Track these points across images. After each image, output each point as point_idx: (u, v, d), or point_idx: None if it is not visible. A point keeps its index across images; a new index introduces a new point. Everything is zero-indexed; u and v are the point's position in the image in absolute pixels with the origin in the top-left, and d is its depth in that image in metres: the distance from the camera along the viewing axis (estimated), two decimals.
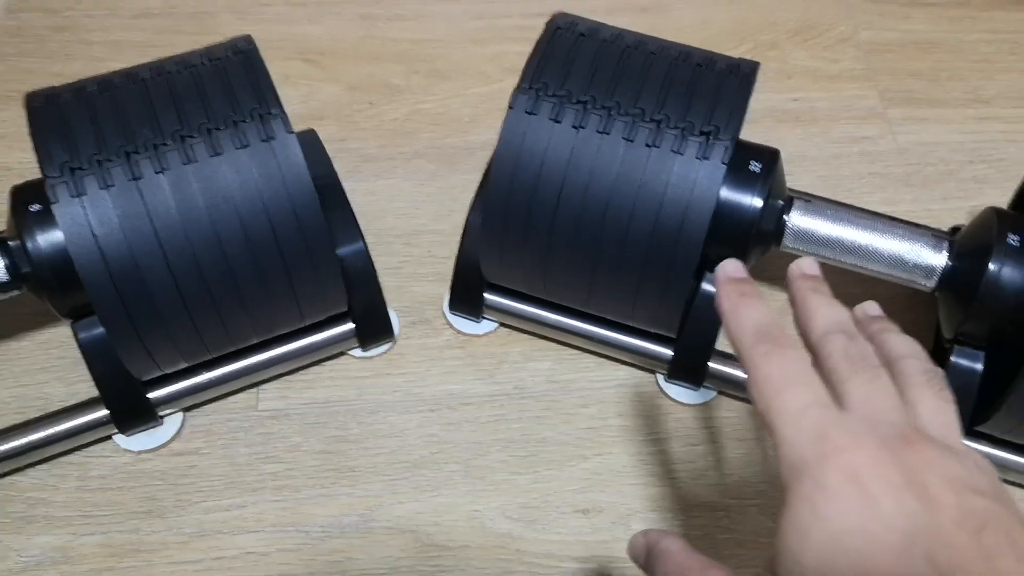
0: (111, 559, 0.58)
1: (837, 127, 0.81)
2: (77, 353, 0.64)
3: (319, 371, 0.67)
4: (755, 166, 0.54)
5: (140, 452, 0.62)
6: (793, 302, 0.40)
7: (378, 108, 0.83)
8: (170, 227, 0.50)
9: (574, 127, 0.53)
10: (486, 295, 0.65)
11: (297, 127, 0.53)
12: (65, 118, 0.51)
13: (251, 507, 0.60)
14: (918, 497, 0.32)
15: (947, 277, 0.56)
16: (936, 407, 0.36)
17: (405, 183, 0.78)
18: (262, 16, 0.90)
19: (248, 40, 0.56)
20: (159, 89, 0.53)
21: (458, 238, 0.70)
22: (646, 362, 0.65)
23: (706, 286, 0.58)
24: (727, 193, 0.53)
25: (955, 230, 0.61)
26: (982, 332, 0.56)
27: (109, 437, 0.62)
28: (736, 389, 0.63)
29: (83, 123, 0.51)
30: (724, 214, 0.53)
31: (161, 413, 0.62)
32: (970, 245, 0.56)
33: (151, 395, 0.60)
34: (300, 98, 0.83)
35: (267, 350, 0.63)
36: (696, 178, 0.52)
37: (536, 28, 0.88)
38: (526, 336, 0.68)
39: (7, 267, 0.55)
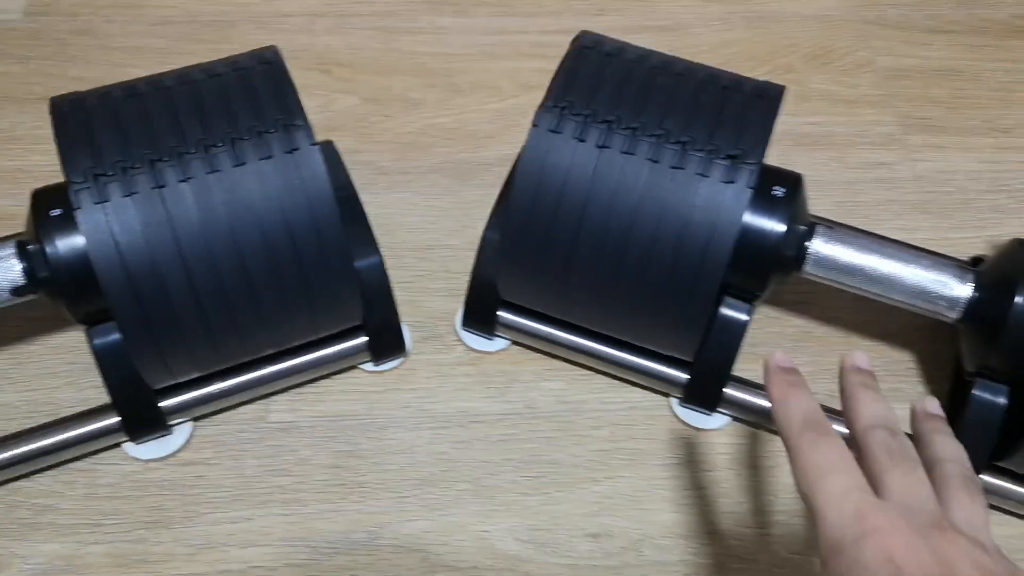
0: (116, 569, 0.57)
1: (854, 152, 0.81)
2: (88, 358, 0.64)
3: (330, 384, 0.66)
4: (779, 191, 0.53)
5: (149, 461, 0.62)
6: (842, 392, 0.44)
7: (394, 121, 0.83)
8: (191, 236, 0.50)
9: (598, 146, 0.53)
10: (499, 312, 0.65)
11: None
12: (90, 124, 0.51)
13: (259, 520, 0.60)
14: None
15: (972, 309, 0.56)
16: (971, 508, 0.39)
17: (419, 197, 0.77)
18: (281, 26, 0.90)
19: (274, 50, 0.56)
20: (184, 97, 0.52)
21: (472, 253, 0.70)
22: (660, 385, 0.65)
23: (725, 311, 0.58)
24: (751, 218, 0.53)
25: (976, 260, 0.60)
26: (1006, 366, 0.55)
27: (118, 445, 0.61)
28: (751, 415, 0.63)
29: (108, 129, 0.51)
30: (747, 239, 0.53)
31: (171, 422, 0.61)
32: (995, 277, 0.56)
33: (162, 404, 0.60)
34: (316, 108, 0.82)
35: (278, 362, 0.62)
36: (721, 202, 0.52)
37: (553, 45, 0.89)
38: (538, 355, 0.68)
39: (25, 271, 0.54)
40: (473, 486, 0.62)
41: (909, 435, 0.43)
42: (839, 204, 0.77)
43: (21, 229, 0.70)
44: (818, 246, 0.57)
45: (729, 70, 0.59)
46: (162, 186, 0.50)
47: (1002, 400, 0.57)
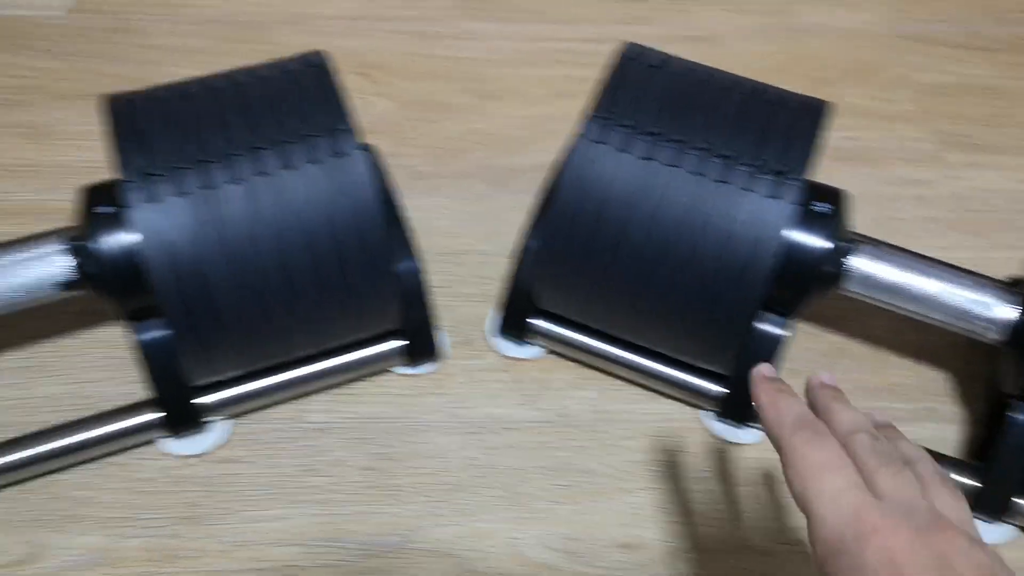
0: (150, 564, 0.58)
1: (892, 168, 0.81)
2: (128, 353, 0.65)
3: (364, 387, 0.66)
4: (823, 207, 0.53)
5: (185, 457, 0.62)
6: (815, 408, 0.44)
7: (430, 125, 0.83)
8: (239, 236, 0.51)
9: (643, 158, 0.53)
10: (534, 320, 0.65)
11: None
12: (143, 123, 0.52)
13: (292, 519, 0.60)
14: None
15: (1017, 331, 0.56)
16: (953, 503, 0.39)
17: (454, 202, 0.78)
18: (319, 29, 0.91)
19: (320, 54, 0.56)
20: (233, 99, 0.53)
21: (505, 259, 0.71)
22: (694, 398, 0.65)
23: (763, 326, 0.58)
24: (794, 233, 0.53)
25: (1017, 281, 0.60)
26: None
27: (156, 441, 0.62)
28: None
29: (160, 129, 0.51)
30: (789, 254, 0.53)
31: (208, 420, 0.62)
32: None
33: (200, 401, 0.60)
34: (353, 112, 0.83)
35: (315, 363, 0.63)
36: (764, 217, 0.52)
37: (588, 53, 0.89)
38: (571, 364, 0.68)
39: (76, 267, 0.55)
40: (505, 492, 0.62)
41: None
42: (876, 220, 0.77)
43: (64, 223, 0.71)
44: (858, 263, 0.57)
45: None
46: (212, 187, 0.50)
47: None
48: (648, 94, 0.55)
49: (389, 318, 0.60)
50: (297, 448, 0.63)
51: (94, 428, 0.60)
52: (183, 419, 0.60)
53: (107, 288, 0.54)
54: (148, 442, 0.62)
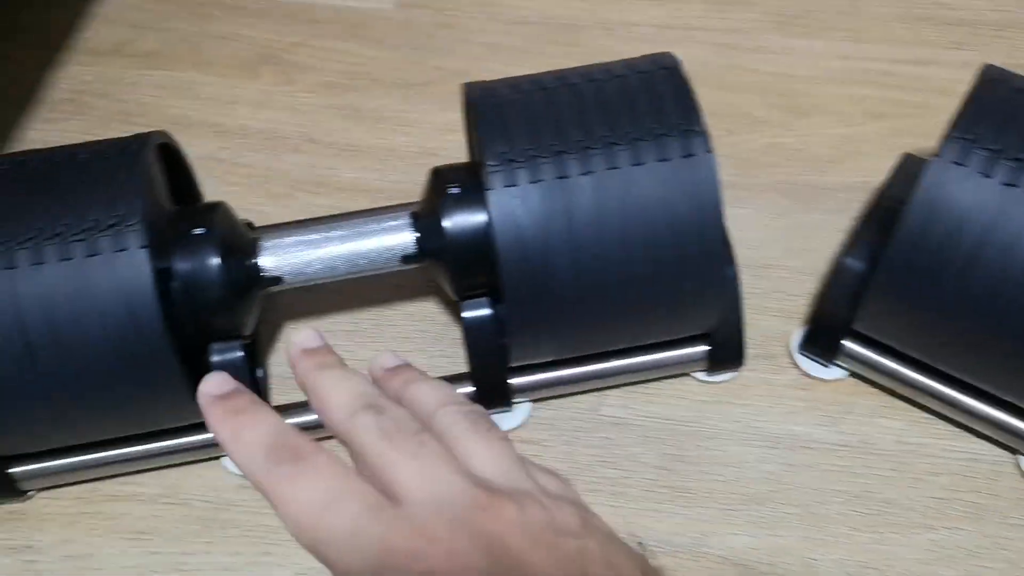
0: None
1: None
2: (438, 328, 0.69)
3: (661, 387, 0.67)
4: None
5: None
6: (304, 389, 0.37)
7: (736, 137, 0.83)
8: (584, 226, 0.52)
9: (1004, 184, 0.51)
10: (844, 342, 0.64)
11: None
12: (503, 111, 0.54)
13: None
14: (510, 568, 0.29)
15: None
16: (492, 454, 0.34)
17: (757, 215, 0.77)
18: (628, 35, 0.92)
19: (672, 56, 0.57)
20: (589, 95, 0.55)
21: (810, 277, 0.70)
22: (1011, 440, 0.61)
23: None
24: None
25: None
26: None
27: None
28: None
29: (520, 118, 0.54)
30: None
31: (517, 401, 0.64)
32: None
33: (513, 381, 0.63)
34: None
35: (618, 358, 0.64)
36: None
37: (904, 75, 0.87)
38: (874, 390, 0.66)
39: (417, 241, 0.59)
40: (801, 511, 0.61)
41: None
42: None
43: (386, 202, 0.76)
44: None
45: None
46: (565, 177, 0.52)
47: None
48: (1013, 118, 0.53)
49: (702, 322, 0.61)
50: (593, 439, 0.65)
51: None
52: (496, 397, 0.62)
53: (446, 264, 0.57)
54: None
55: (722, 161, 0.80)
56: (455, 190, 0.56)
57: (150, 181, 0.55)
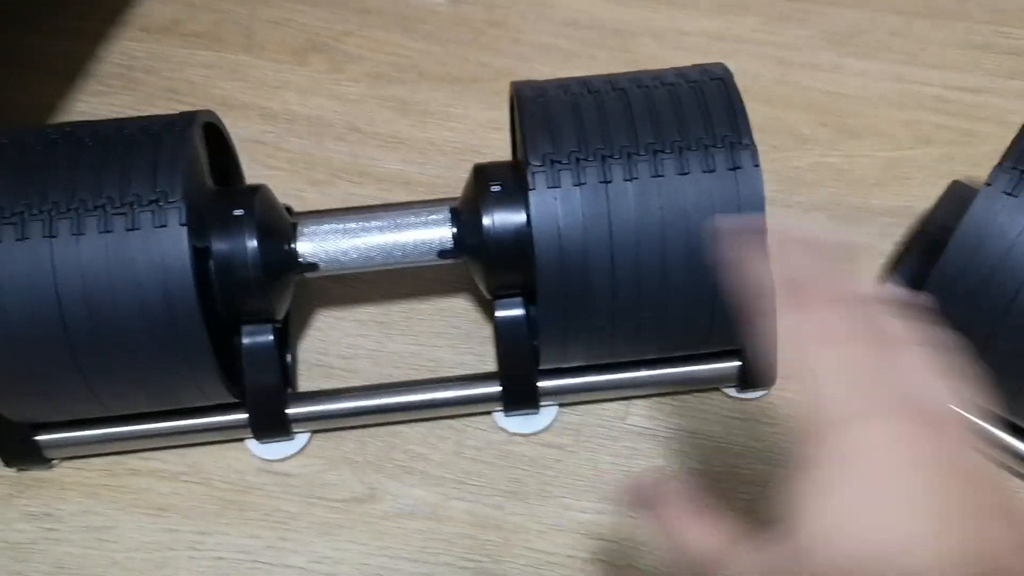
0: (473, 528, 0.61)
1: None
2: (469, 325, 0.69)
3: (688, 400, 0.67)
4: None
5: (513, 434, 0.64)
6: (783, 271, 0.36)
7: (781, 153, 0.82)
8: (624, 233, 0.52)
9: None
10: None
11: None
12: (550, 112, 0.54)
13: (608, 516, 0.61)
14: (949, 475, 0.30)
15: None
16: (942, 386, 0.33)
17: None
18: (680, 44, 0.92)
19: (724, 67, 0.57)
20: (638, 101, 0.54)
21: None
22: None
23: None
24: None
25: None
26: None
27: (491, 412, 0.65)
28: None
29: (566, 120, 0.54)
30: None
31: (544, 404, 0.64)
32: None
33: (541, 384, 0.62)
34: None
35: (652, 368, 0.63)
36: None
37: (956, 102, 0.85)
38: None
39: (454, 237, 0.59)
40: None
41: None
42: None
43: (426, 196, 0.76)
44: None
45: None
46: (608, 181, 0.52)
47: None
48: None
49: (736, 338, 0.60)
50: (617, 447, 0.64)
51: (437, 391, 0.64)
52: (524, 398, 0.62)
53: (486, 261, 0.57)
54: (486, 413, 0.65)
55: (766, 177, 0.80)
56: (496, 188, 0.56)
57: (193, 160, 0.55)
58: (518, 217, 0.55)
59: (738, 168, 0.52)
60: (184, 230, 0.51)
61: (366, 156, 0.82)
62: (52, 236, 0.50)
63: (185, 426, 0.61)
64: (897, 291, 0.39)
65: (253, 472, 0.63)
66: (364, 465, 0.63)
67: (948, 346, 0.36)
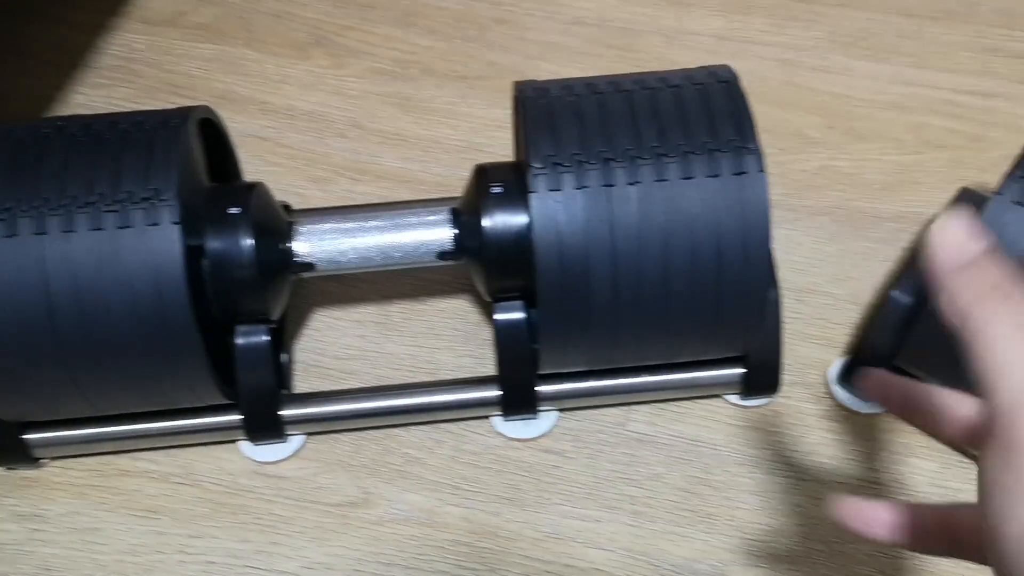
0: (470, 535, 0.60)
1: None
2: (469, 327, 0.68)
3: (690, 407, 0.65)
4: None
5: (512, 439, 0.63)
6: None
7: (788, 156, 0.81)
8: (626, 237, 0.51)
9: None
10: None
11: None
12: (553, 113, 0.53)
13: (606, 524, 0.60)
14: None
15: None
16: None
17: (804, 237, 0.75)
18: (686, 44, 0.90)
19: (730, 70, 0.56)
20: (642, 103, 0.53)
21: (853, 306, 0.68)
22: None
23: None
24: None
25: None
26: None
27: (487, 417, 0.64)
28: None
29: (569, 121, 0.52)
30: None
31: (543, 409, 0.63)
32: None
33: (540, 389, 0.61)
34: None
35: (652, 374, 0.62)
36: None
37: (967, 106, 0.84)
38: (912, 429, 0.63)
39: (455, 238, 0.57)
40: (828, 549, 0.59)
41: None
42: None
43: (428, 194, 0.75)
44: None
45: None
46: (611, 185, 0.51)
47: None
48: None
49: (739, 344, 0.59)
50: (617, 454, 0.63)
51: (434, 394, 0.63)
52: (523, 403, 0.61)
53: (486, 263, 0.56)
54: (483, 417, 0.64)
55: (772, 180, 0.79)
56: (498, 190, 0.55)
57: (188, 156, 0.54)
58: (519, 219, 0.54)
59: (743, 173, 0.51)
60: (177, 229, 0.50)
61: (367, 153, 0.80)
62: (42, 233, 0.49)
63: (177, 427, 0.60)
64: None
65: (245, 474, 0.62)
66: (359, 469, 0.62)
67: None
